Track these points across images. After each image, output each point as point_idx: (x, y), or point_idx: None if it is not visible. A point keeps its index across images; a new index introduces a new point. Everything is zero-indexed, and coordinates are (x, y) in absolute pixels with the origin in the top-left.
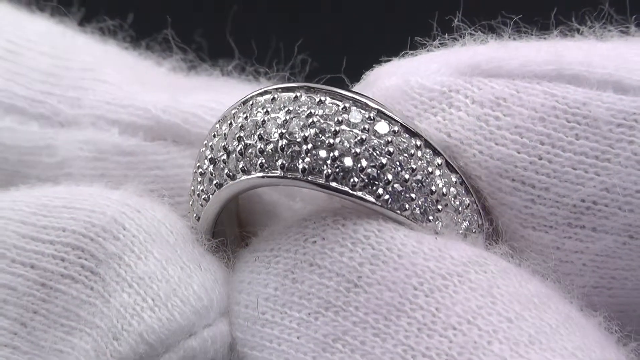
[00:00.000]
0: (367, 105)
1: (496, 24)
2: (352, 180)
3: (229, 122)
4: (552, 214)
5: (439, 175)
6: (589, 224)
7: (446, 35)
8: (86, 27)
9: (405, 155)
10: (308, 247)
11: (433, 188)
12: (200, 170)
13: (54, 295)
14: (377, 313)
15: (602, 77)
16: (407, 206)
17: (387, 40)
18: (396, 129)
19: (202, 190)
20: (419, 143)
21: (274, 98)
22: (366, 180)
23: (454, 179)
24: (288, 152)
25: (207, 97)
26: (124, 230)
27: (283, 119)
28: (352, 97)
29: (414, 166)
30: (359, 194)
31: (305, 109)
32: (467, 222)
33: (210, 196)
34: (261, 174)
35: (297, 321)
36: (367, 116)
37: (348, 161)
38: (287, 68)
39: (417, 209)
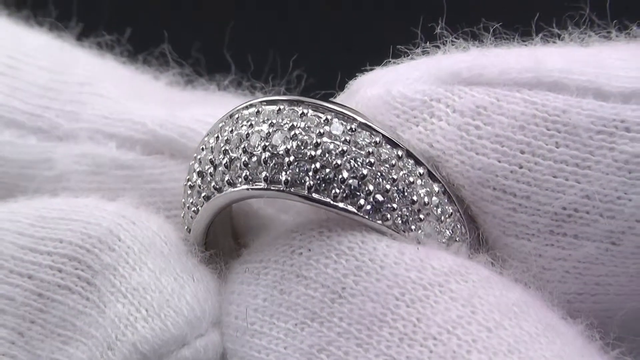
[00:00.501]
0: (348, 116)
1: (478, 30)
2: (333, 191)
3: (215, 135)
4: (534, 222)
5: (421, 185)
6: (571, 231)
7: (428, 43)
8: (84, 42)
9: (387, 165)
10: (295, 259)
11: (415, 198)
12: (189, 183)
13: (51, 306)
14: (360, 324)
15: (582, 84)
16: (388, 216)
17: (383, 53)
18: (378, 139)
19: (191, 202)
20: (400, 153)
21: (258, 111)
22: (347, 191)
23: (436, 189)
24: (271, 165)
25: (203, 112)
26: (119, 242)
27: (266, 131)
28: (334, 109)
29: (395, 176)
30: (341, 205)
31: (288, 122)
32: (449, 231)
33: (199, 208)
34: (246, 187)
35: (284, 332)
36: (348, 127)
37: (329, 173)
38: (283, 83)
39: (399, 218)
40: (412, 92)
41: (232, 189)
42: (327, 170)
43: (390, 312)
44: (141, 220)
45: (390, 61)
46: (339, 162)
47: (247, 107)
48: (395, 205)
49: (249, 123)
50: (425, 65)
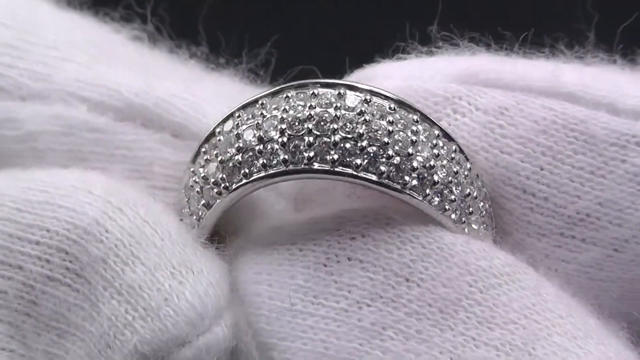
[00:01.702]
0: (427, 118)
1: (478, 37)
2: (402, 179)
3: (236, 122)
4: (548, 223)
5: (470, 179)
6: (580, 235)
7: (417, 45)
8: None
9: (448, 159)
10: (346, 243)
11: (467, 191)
12: (205, 169)
13: (43, 298)
14: (433, 306)
15: (596, 98)
16: (447, 207)
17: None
18: (437, 132)
19: (208, 188)
20: (455, 147)
21: (314, 93)
22: (417, 182)
23: (479, 183)
24: (347, 147)
25: (180, 87)
26: (106, 233)
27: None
28: (397, 99)
29: (455, 170)
30: (412, 193)
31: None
32: (484, 225)
33: (221, 192)
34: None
35: (336, 311)
36: (413, 118)
37: (402, 162)
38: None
39: (457, 211)
40: (435, 88)
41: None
42: (399, 159)
43: (465, 298)
44: (128, 205)
45: (399, 56)
46: (411, 151)
47: (296, 88)
48: (454, 197)
49: (306, 104)
50: (438, 64)
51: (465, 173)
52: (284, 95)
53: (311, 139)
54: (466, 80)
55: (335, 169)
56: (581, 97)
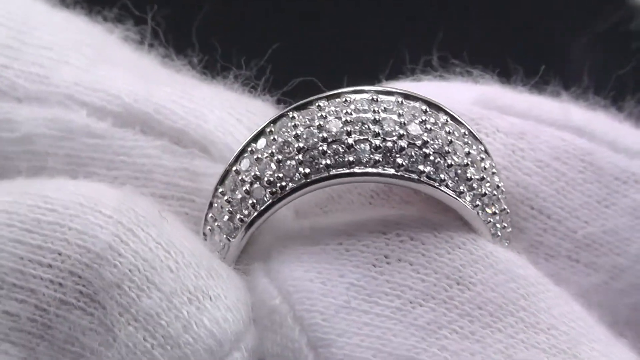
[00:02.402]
0: (459, 121)
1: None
2: (461, 187)
3: (306, 122)
4: (558, 245)
5: (504, 195)
6: (584, 259)
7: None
8: None
9: (490, 172)
10: (395, 245)
11: (504, 206)
12: (248, 177)
13: (56, 321)
14: (483, 309)
15: (599, 134)
16: (490, 220)
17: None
18: (482, 147)
19: (247, 201)
20: (493, 163)
21: (373, 99)
22: (472, 195)
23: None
24: (411, 153)
25: (179, 93)
26: (119, 257)
27: (400, 120)
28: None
29: (497, 183)
30: (466, 204)
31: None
32: (508, 240)
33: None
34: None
35: (391, 310)
36: (463, 132)
37: (462, 173)
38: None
39: (498, 223)
40: (460, 108)
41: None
42: (460, 171)
43: (512, 303)
44: (140, 227)
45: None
46: (466, 161)
47: (356, 92)
48: (496, 210)
49: (373, 109)
50: (457, 88)
51: (503, 189)
52: (316, 105)
53: (377, 141)
54: (485, 105)
55: (403, 174)
56: (587, 132)
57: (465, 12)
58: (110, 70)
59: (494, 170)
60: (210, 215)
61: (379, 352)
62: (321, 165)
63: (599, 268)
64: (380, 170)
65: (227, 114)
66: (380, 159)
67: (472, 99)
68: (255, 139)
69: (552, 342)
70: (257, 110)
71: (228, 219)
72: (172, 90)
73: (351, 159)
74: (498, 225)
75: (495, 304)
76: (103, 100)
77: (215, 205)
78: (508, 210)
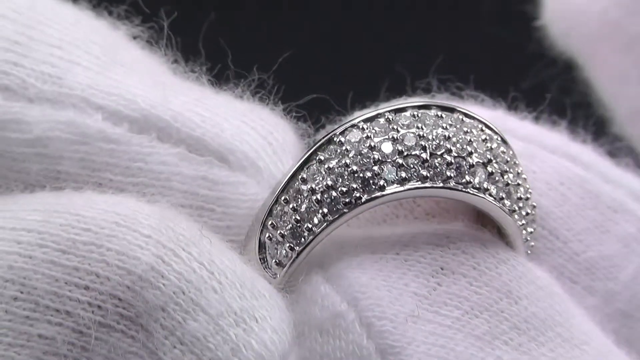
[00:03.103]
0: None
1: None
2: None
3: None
4: (563, 266)
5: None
6: (583, 282)
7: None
8: None
9: (527, 186)
10: (449, 257)
11: (535, 226)
12: (310, 195)
13: (94, 344)
14: (528, 323)
15: (593, 164)
16: (528, 238)
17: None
18: (519, 171)
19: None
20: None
21: (414, 115)
22: (518, 208)
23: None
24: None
25: (194, 101)
26: (162, 279)
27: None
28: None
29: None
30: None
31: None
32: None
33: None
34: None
35: (452, 320)
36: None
37: (509, 190)
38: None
39: (532, 240)
40: None
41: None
42: (508, 184)
43: (551, 318)
44: (180, 246)
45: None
46: (513, 181)
47: (397, 111)
48: (534, 228)
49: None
50: (470, 108)
51: (532, 205)
52: (360, 128)
53: (450, 158)
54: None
55: (467, 190)
56: (583, 161)
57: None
58: (124, 74)
59: (530, 191)
60: (270, 222)
61: None
62: (375, 185)
63: (595, 292)
64: (430, 184)
65: (242, 122)
66: (429, 175)
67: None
68: (322, 147)
69: (585, 358)
70: (269, 118)
71: (294, 227)
72: (188, 98)
73: (403, 175)
74: (531, 243)
75: (538, 318)
76: (119, 104)
77: (276, 212)
78: (535, 227)
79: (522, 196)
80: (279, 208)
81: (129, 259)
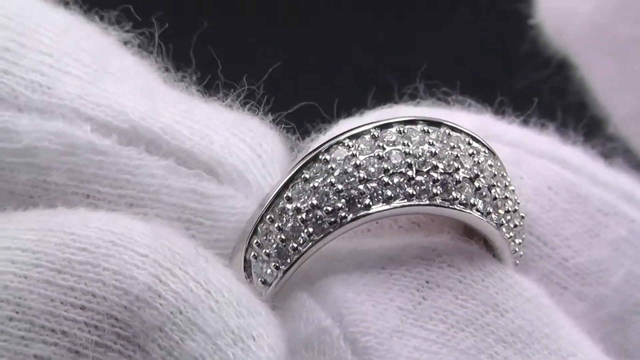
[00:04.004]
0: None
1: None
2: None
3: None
4: (551, 272)
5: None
6: (572, 288)
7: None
8: None
9: (515, 198)
10: (434, 271)
11: (524, 236)
12: (298, 214)
13: None
14: (515, 336)
15: (581, 167)
16: (517, 249)
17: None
18: (506, 176)
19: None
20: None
21: (400, 131)
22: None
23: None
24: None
25: (183, 112)
26: (159, 299)
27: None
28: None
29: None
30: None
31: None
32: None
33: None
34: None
35: (437, 334)
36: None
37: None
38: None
39: (520, 251)
40: None
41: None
42: (497, 201)
43: (538, 330)
44: (177, 265)
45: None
46: (501, 194)
47: (382, 127)
48: (523, 238)
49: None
50: (455, 115)
51: (522, 217)
52: (345, 145)
53: (436, 175)
54: (482, 133)
55: (453, 206)
56: (572, 165)
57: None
58: (114, 84)
59: (518, 202)
60: (256, 241)
61: None
62: (361, 205)
63: (585, 297)
64: (416, 202)
65: (231, 134)
66: (415, 192)
67: (472, 127)
68: (307, 165)
69: None
70: (258, 129)
71: (280, 247)
72: (177, 110)
73: (389, 193)
74: (520, 252)
75: (524, 331)
76: (108, 115)
77: (262, 231)
78: (524, 236)
79: (510, 209)
80: (264, 227)
81: (125, 279)
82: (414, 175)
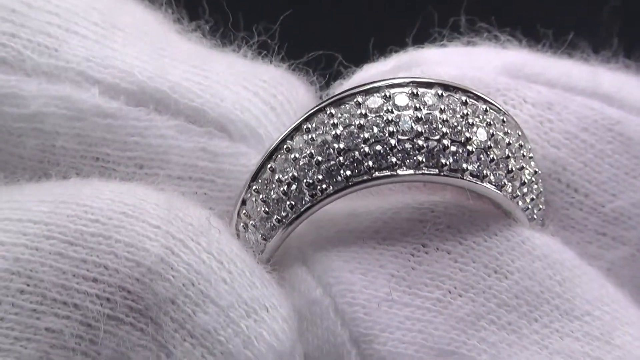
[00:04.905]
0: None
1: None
2: (493, 178)
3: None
4: (585, 219)
5: (537, 175)
6: (611, 232)
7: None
8: None
9: (526, 155)
10: (432, 233)
11: (541, 189)
12: (276, 193)
13: (103, 337)
14: (520, 298)
15: (630, 101)
16: (528, 207)
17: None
18: (518, 136)
19: (285, 204)
20: (519, 133)
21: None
22: (505, 181)
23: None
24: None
25: (193, 69)
26: (172, 271)
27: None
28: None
29: (536, 169)
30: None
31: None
32: (542, 219)
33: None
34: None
35: (431, 302)
36: (502, 119)
37: (494, 165)
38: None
39: (528, 205)
40: (487, 78)
41: (400, 171)
42: (502, 165)
43: (548, 291)
44: (189, 237)
45: (440, 43)
46: (507, 153)
47: (394, 86)
48: (534, 195)
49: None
50: (486, 55)
51: (539, 173)
52: (355, 101)
53: (420, 142)
54: (513, 73)
55: (447, 174)
56: (617, 100)
57: None
58: (122, 44)
59: (531, 154)
60: (244, 212)
61: (421, 347)
62: (363, 168)
63: (627, 241)
64: (424, 171)
65: (243, 87)
66: (424, 159)
67: (499, 68)
68: (290, 135)
69: (586, 329)
70: (271, 79)
71: (264, 219)
72: (187, 66)
73: (394, 160)
74: (535, 210)
75: (532, 292)
76: (115, 77)
77: (249, 202)
78: (542, 190)
79: (514, 167)
80: (252, 198)
81: (137, 251)
82: (422, 144)
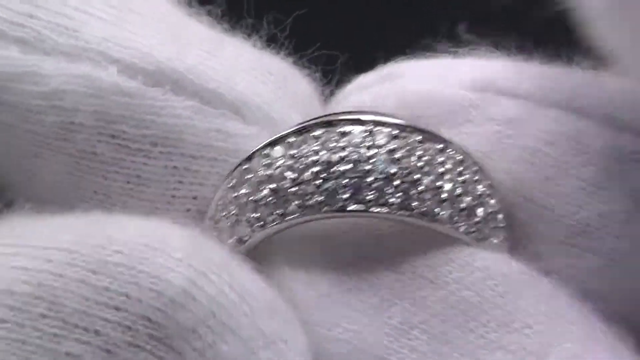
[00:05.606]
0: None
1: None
2: (434, 209)
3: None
4: (549, 231)
5: (492, 194)
6: (580, 244)
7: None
8: None
9: (470, 181)
10: (365, 242)
11: (490, 210)
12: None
13: None
14: (456, 309)
15: (604, 114)
16: (472, 230)
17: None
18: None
19: (265, 213)
20: (474, 167)
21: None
22: (447, 213)
23: (497, 196)
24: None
25: (208, 55)
26: (193, 302)
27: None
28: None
29: (479, 191)
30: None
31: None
32: (501, 238)
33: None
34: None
35: (368, 306)
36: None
37: (426, 194)
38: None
39: (481, 230)
40: (453, 95)
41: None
42: (455, 203)
43: (487, 301)
44: (211, 269)
45: (424, 54)
46: (460, 191)
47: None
48: (479, 219)
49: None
50: (461, 68)
51: (487, 191)
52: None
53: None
54: (484, 87)
55: (373, 209)
56: (591, 113)
57: None
58: (139, 26)
59: (488, 192)
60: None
61: (354, 348)
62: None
63: (597, 252)
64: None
65: (255, 73)
66: (373, 198)
67: (468, 82)
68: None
69: (523, 343)
70: (277, 71)
71: (234, 222)
72: (201, 50)
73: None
74: (483, 231)
75: (468, 302)
76: (134, 57)
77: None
78: (497, 209)
79: (469, 204)
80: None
81: (160, 282)
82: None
